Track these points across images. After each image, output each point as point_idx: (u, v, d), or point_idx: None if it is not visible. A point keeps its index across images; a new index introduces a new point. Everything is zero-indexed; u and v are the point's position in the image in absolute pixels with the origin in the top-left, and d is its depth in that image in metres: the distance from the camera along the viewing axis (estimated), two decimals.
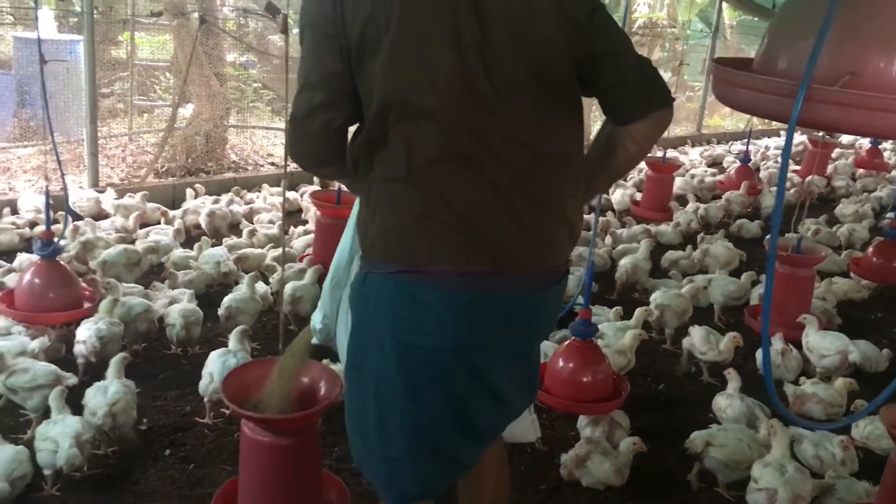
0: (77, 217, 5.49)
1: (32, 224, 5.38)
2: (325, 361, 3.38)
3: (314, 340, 2.35)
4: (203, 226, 5.66)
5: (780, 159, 9.95)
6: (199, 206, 5.87)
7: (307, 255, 5.00)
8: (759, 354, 4.23)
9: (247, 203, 6.31)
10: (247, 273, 4.51)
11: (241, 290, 4.16)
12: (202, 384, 3.34)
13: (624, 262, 5.20)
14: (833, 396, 3.67)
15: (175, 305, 3.98)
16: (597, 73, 1.67)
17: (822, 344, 4.09)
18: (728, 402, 3.61)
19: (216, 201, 6.12)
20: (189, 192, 6.30)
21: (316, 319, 2.20)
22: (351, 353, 1.83)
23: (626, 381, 3.45)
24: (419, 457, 1.77)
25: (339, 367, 3.33)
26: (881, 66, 1.20)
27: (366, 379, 1.77)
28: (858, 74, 1.19)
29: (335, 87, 1.66)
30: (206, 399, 3.34)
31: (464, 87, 1.60)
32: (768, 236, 5.59)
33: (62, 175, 4.14)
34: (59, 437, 2.80)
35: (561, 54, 1.65)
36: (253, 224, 5.75)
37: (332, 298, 2.13)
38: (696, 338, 4.09)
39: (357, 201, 2.01)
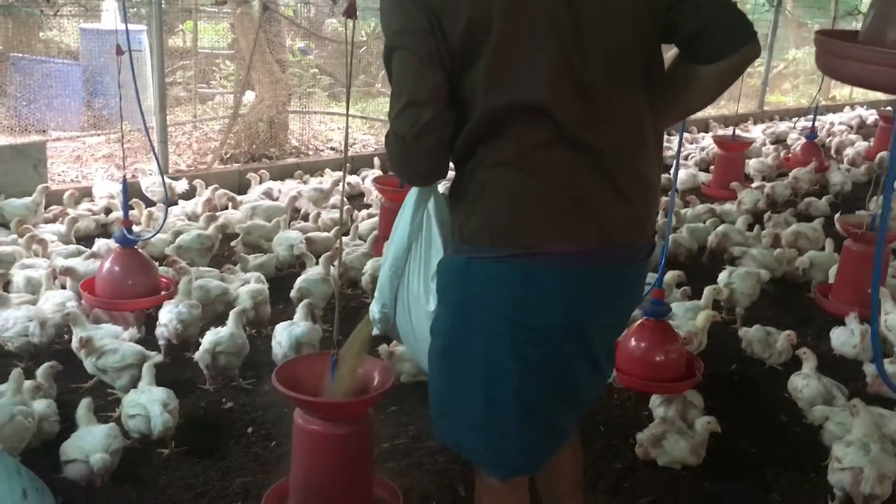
0: (150, 203, 5.65)
1: (107, 210, 5.55)
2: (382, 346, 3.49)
3: (374, 331, 2.37)
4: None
5: (845, 135, 9.71)
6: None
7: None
8: (833, 333, 4.16)
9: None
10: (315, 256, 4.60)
11: (312, 272, 4.22)
12: (274, 353, 3.57)
13: (718, 230, 5.44)
14: None
15: (244, 287, 4.09)
16: (676, 21, 1.66)
17: None
18: (805, 383, 3.56)
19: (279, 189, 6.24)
20: (253, 177, 6.42)
21: (374, 310, 2.22)
22: (446, 337, 1.84)
23: (699, 361, 3.44)
24: (531, 431, 1.81)
25: (399, 350, 3.43)
26: None
27: (468, 361, 1.80)
28: None
29: (442, 100, 1.64)
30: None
31: (566, 76, 1.61)
32: (838, 214, 5.50)
33: (158, 161, 4.31)
34: (148, 404, 2.97)
35: (643, 15, 1.65)
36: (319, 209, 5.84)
37: (391, 287, 2.13)
38: (754, 341, 4.04)
39: (417, 192, 2.02)
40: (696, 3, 1.64)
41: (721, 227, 5.49)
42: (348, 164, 3.53)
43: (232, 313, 3.62)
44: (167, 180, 6.00)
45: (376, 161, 7.18)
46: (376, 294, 2.19)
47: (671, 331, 3.42)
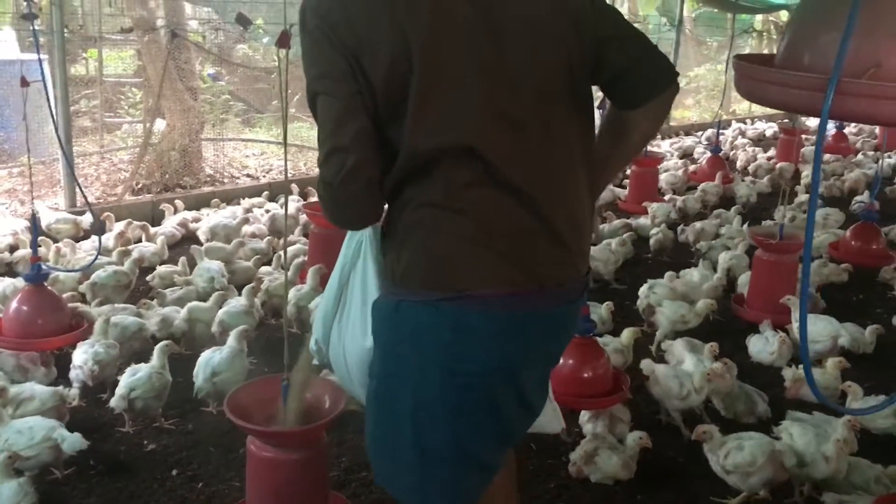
0: (54, 239, 5.41)
1: (12, 248, 5.29)
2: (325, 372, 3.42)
3: (314, 361, 2.36)
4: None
5: (748, 148, 10.11)
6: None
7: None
8: (749, 341, 4.30)
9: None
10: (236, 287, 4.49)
11: (235, 304, 4.12)
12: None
13: (654, 231, 5.99)
14: (829, 380, 3.73)
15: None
16: (603, 61, 1.67)
17: (814, 329, 4.16)
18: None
19: (196, 219, 6.08)
20: (167, 207, 6.24)
21: (311, 342, 2.21)
22: (379, 381, 1.80)
23: (626, 376, 3.50)
24: (462, 472, 1.79)
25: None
26: None
27: (399, 404, 1.76)
28: (882, 66, 1.23)
29: (367, 143, 1.59)
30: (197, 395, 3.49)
31: (494, 113, 1.59)
32: (745, 225, 5.73)
33: (83, 192, 4.10)
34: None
35: (573, 52, 1.65)
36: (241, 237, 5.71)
37: (324, 327, 2.11)
38: (681, 354, 4.09)
39: (351, 237, 2.00)
40: (623, 44, 1.66)
41: (656, 230, 5.97)
42: (266, 193, 3.46)
43: (156, 349, 3.49)
44: (72, 216, 5.79)
45: (294, 188, 7.08)
46: (313, 326, 2.16)
47: (597, 346, 3.47)
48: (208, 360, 3.48)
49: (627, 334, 3.91)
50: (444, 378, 1.68)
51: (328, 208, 1.69)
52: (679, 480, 3.21)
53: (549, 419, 2.32)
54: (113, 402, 3.36)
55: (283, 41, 2.25)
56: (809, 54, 1.34)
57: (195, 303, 4.20)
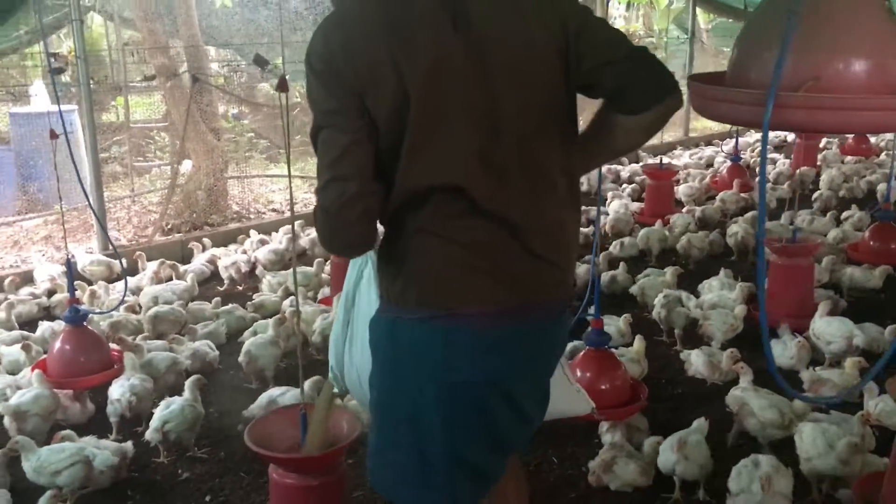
0: (89, 282, 5.62)
1: (50, 293, 5.51)
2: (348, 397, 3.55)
3: (335, 389, 2.48)
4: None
5: (771, 155, 10.13)
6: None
7: (322, 298, 5.14)
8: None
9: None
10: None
11: (262, 335, 4.27)
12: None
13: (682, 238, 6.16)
14: (846, 380, 3.77)
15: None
16: (600, 79, 1.74)
17: (828, 330, 4.20)
18: (743, 396, 3.71)
19: (224, 255, 6.28)
20: (195, 246, 6.43)
21: (329, 370, 2.34)
22: (378, 392, 1.93)
23: (643, 386, 3.57)
24: (459, 480, 1.89)
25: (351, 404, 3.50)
26: (840, 70, 1.34)
27: (399, 416, 1.88)
28: (820, 78, 1.33)
29: (367, 175, 1.70)
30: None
31: (478, 158, 1.70)
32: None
33: (107, 236, 4.27)
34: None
35: (560, 82, 1.75)
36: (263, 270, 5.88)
37: (336, 352, 2.25)
38: (700, 364, 4.18)
39: (353, 264, 2.13)
40: (617, 62, 1.71)
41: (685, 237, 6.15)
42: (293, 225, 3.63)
43: (188, 382, 3.63)
44: (105, 258, 6.00)
45: None
46: (330, 350, 2.28)
47: (614, 358, 3.55)
48: (160, 409, 3.52)
49: (638, 344, 3.99)
50: (438, 389, 1.80)
51: (323, 234, 1.81)
52: (698, 484, 3.25)
53: (576, 402, 2.41)
54: (148, 435, 3.50)
55: (281, 86, 2.40)
56: (754, 71, 1.44)
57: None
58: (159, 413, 3.49)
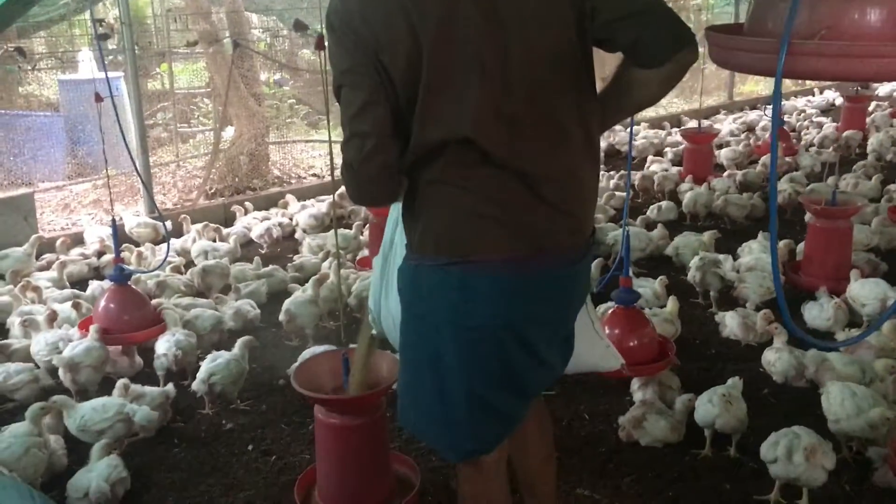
0: (136, 244, 5.79)
1: (99, 254, 5.70)
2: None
3: (373, 331, 2.57)
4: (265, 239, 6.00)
5: (815, 118, 9.93)
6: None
7: (360, 258, 5.22)
8: (804, 308, 4.32)
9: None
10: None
11: (300, 294, 4.38)
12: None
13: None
14: (884, 342, 3.76)
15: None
16: (616, 34, 1.77)
17: (862, 293, 4.18)
18: (777, 356, 3.73)
19: (265, 218, 6.41)
20: (238, 209, 6.58)
21: (369, 316, 2.44)
22: (405, 334, 2.04)
23: (671, 343, 3.60)
24: (478, 418, 1.98)
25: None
26: (854, 18, 1.36)
27: (422, 356, 1.98)
28: (834, 27, 1.35)
29: (385, 131, 1.76)
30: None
31: (490, 110, 1.75)
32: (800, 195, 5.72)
33: (153, 201, 4.41)
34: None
35: (573, 37, 1.77)
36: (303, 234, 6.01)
37: (374, 299, 2.34)
38: (734, 325, 4.19)
39: (390, 217, 2.21)
40: (632, 15, 1.73)
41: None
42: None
43: (239, 341, 3.80)
44: (152, 221, 6.17)
45: None
46: (370, 294, 2.39)
47: (642, 316, 3.59)
48: (208, 362, 3.67)
49: (672, 304, 4.01)
50: (455, 332, 1.89)
51: (349, 187, 1.89)
52: (728, 440, 3.28)
53: (605, 357, 2.46)
54: (194, 386, 3.66)
55: (319, 44, 2.47)
56: (771, 21, 1.46)
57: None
58: (206, 365, 3.64)
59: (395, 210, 2.20)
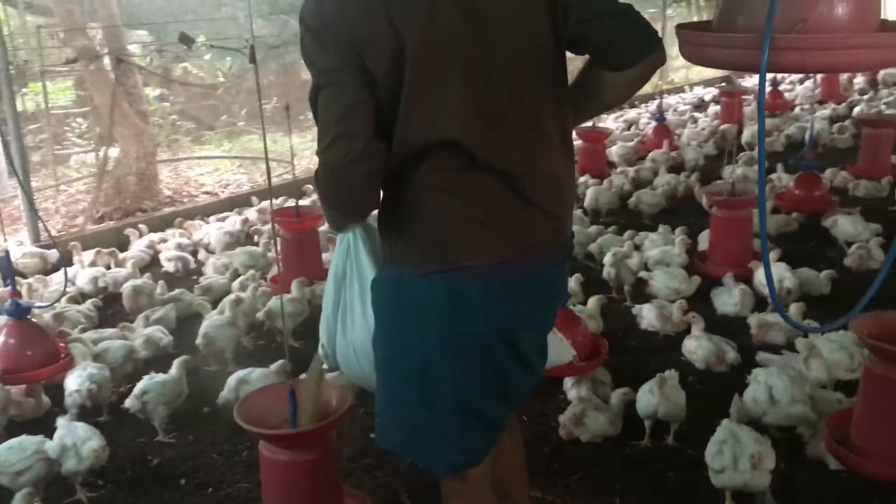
0: (23, 276, 5.42)
1: None
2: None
3: (324, 365, 2.47)
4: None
5: (689, 114, 10.41)
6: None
7: (272, 276, 5.07)
8: (713, 294, 4.51)
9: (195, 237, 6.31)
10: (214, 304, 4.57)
11: (218, 316, 4.20)
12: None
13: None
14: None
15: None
16: (586, 35, 1.77)
17: (759, 274, 4.40)
18: (697, 344, 3.87)
19: (163, 240, 6.13)
20: (132, 232, 6.26)
21: (319, 348, 2.33)
22: (385, 349, 1.95)
23: (604, 340, 3.68)
24: (468, 428, 1.94)
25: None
26: (825, 12, 1.42)
27: (406, 369, 1.91)
28: (808, 20, 1.40)
29: (370, 133, 1.71)
30: None
31: (474, 110, 1.73)
32: (697, 187, 5.97)
33: (45, 225, 4.12)
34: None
35: (549, 36, 1.78)
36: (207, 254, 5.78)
37: (328, 331, 2.23)
38: (652, 317, 4.32)
39: (339, 243, 2.12)
40: (603, 18, 1.74)
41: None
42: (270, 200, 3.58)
43: (176, 362, 3.65)
44: (38, 249, 5.79)
45: (254, 199, 7.13)
46: (321, 329, 2.27)
47: (574, 315, 3.64)
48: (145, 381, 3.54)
49: (593, 302, 4.10)
50: (445, 340, 1.84)
51: (330, 194, 1.81)
52: (664, 427, 3.35)
53: (558, 351, 2.46)
54: (128, 403, 3.50)
55: (252, 57, 2.38)
56: (743, 17, 1.50)
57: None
58: (143, 383, 3.51)
59: (346, 239, 2.12)
